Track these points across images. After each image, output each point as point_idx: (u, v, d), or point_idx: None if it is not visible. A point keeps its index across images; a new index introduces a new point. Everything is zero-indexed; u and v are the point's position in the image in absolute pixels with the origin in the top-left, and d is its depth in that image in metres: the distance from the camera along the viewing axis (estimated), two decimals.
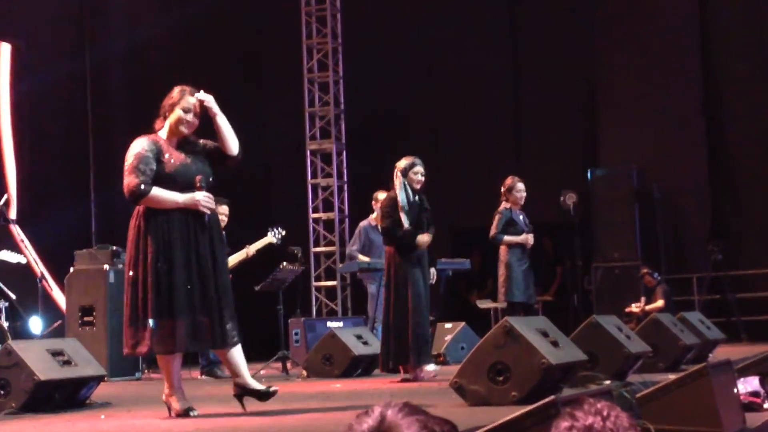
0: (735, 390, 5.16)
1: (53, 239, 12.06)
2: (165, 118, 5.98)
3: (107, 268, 9.88)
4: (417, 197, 8.63)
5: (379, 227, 8.60)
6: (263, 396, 5.97)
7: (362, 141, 16.05)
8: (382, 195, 11.36)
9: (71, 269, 10.07)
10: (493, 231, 9.80)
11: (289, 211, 15.27)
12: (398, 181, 8.61)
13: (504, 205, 9.86)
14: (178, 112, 5.92)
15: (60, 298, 11.43)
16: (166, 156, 5.88)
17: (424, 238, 8.55)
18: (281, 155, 16.46)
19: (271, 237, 10.24)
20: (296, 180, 15.97)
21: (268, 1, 16.43)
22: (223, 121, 5.98)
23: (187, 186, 5.86)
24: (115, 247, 10.18)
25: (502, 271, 9.82)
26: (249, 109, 15.54)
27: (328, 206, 15.93)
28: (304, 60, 15.99)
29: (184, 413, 5.83)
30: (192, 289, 5.76)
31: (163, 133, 5.97)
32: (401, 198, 8.54)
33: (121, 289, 9.82)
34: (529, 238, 9.82)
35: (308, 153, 15.94)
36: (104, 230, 13.75)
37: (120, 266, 10.04)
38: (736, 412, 4.99)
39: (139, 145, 5.87)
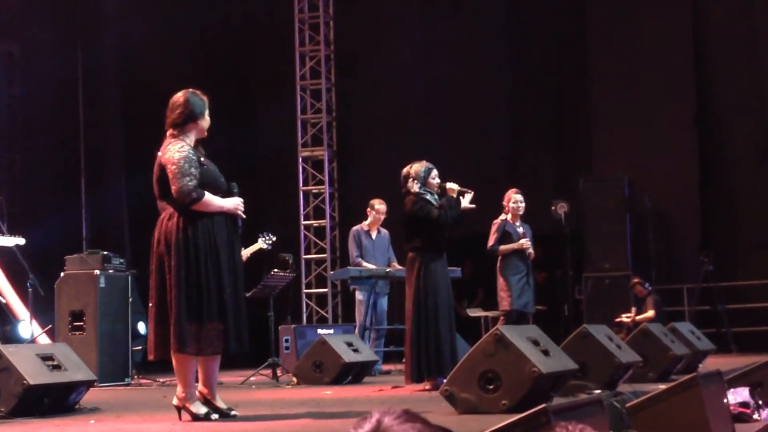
0: (725, 400, 5.16)
1: (44, 243, 12.02)
2: (182, 127, 5.96)
3: (98, 273, 9.85)
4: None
5: (432, 217, 8.19)
6: (222, 415, 5.98)
7: (354, 149, 16.06)
8: (379, 204, 11.34)
9: (62, 274, 10.04)
10: (490, 242, 9.99)
11: (280, 217, 15.26)
12: (415, 188, 8.31)
13: (502, 216, 10.07)
14: (207, 117, 6.04)
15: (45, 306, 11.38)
16: (202, 159, 5.97)
17: (452, 185, 8.38)
18: (273, 162, 16.45)
19: (262, 243, 10.24)
20: (288, 187, 15.97)
21: (261, 7, 16.44)
22: None
23: (220, 190, 5.99)
24: (105, 252, 10.16)
25: (499, 281, 10.04)
26: (242, 115, 15.55)
27: (319, 213, 15.92)
28: (297, 67, 15.99)
29: (205, 417, 5.84)
30: (232, 294, 5.89)
31: (188, 140, 5.98)
32: (430, 198, 8.31)
33: (112, 294, 9.91)
34: (523, 243, 9.93)
35: (300, 160, 15.94)
36: (95, 235, 13.72)
37: (111, 271, 10.02)
38: (726, 423, 5.00)
39: (182, 148, 5.87)
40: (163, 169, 5.89)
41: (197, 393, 5.99)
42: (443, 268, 8.41)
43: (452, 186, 8.43)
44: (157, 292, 5.88)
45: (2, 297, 10.45)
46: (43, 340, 10.13)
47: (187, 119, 5.97)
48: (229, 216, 6.00)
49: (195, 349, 5.83)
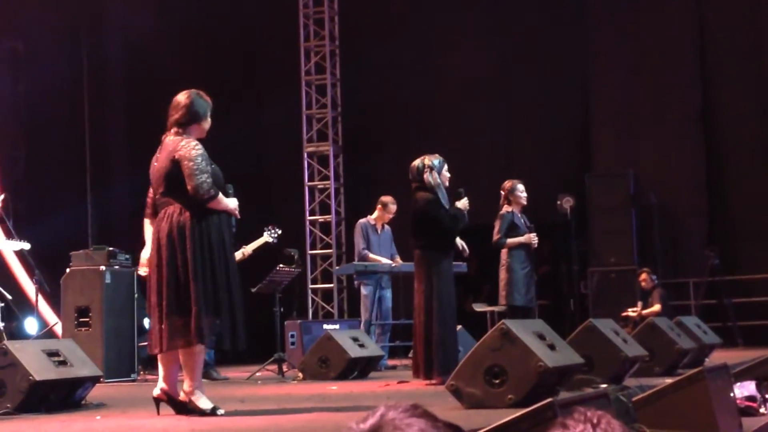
0: (731, 394, 5.15)
1: (50, 240, 12.03)
2: (185, 127, 5.97)
3: (103, 269, 9.85)
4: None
5: (442, 224, 8.24)
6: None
7: (359, 143, 16.06)
8: (392, 203, 11.30)
9: (67, 270, 10.05)
10: (496, 235, 9.81)
11: (285, 213, 15.25)
12: (433, 179, 8.30)
13: (506, 208, 9.89)
14: (209, 119, 6.08)
15: (46, 309, 11.45)
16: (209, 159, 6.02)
17: (464, 203, 8.46)
18: (278, 157, 16.45)
19: (267, 237, 10.25)
20: (293, 182, 15.97)
21: (266, 3, 16.43)
22: None
23: (223, 190, 6.06)
24: (111, 248, 10.16)
25: (503, 274, 9.85)
26: (247, 111, 15.55)
27: (324, 209, 15.92)
28: (302, 62, 15.98)
29: (212, 412, 5.83)
30: (235, 291, 5.99)
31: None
32: (442, 197, 8.34)
33: (118, 290, 9.91)
34: (531, 237, 9.84)
35: (305, 155, 15.93)
36: (101, 231, 13.73)
37: (116, 267, 10.03)
38: (732, 417, 4.98)
39: (197, 147, 5.92)
40: (177, 164, 5.88)
41: (159, 391, 6.00)
42: (450, 265, 8.45)
43: (465, 205, 8.44)
44: (168, 287, 5.85)
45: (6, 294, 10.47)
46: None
47: (190, 120, 6.00)
48: (229, 215, 6.13)
49: (210, 342, 5.92)
